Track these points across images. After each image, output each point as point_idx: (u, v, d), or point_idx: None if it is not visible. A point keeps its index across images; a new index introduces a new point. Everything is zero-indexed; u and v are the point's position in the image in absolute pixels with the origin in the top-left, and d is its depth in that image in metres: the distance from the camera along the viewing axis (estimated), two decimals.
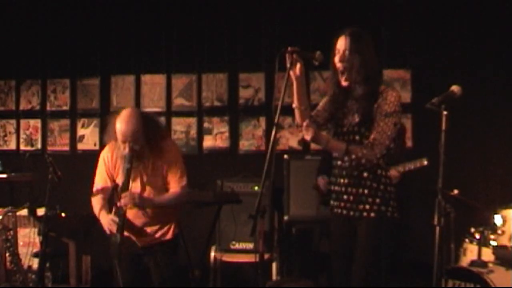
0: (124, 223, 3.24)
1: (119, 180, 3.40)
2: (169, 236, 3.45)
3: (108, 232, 3.32)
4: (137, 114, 3.30)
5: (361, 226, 2.88)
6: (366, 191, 2.87)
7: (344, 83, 2.87)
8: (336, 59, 2.85)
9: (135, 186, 3.36)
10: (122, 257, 3.34)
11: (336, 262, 3.03)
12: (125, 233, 3.38)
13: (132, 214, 3.35)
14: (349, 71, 2.83)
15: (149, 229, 3.41)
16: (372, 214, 2.85)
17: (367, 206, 2.86)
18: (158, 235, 3.43)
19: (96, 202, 3.46)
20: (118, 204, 3.25)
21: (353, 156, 2.80)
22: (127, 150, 3.23)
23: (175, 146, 3.60)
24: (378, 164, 2.84)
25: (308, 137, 2.77)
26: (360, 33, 2.86)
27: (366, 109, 2.82)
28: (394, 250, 2.92)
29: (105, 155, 3.47)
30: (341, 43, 2.84)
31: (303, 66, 2.80)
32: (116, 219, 3.24)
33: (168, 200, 3.41)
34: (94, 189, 3.50)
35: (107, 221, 3.32)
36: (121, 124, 3.25)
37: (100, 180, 3.48)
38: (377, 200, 2.85)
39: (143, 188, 3.37)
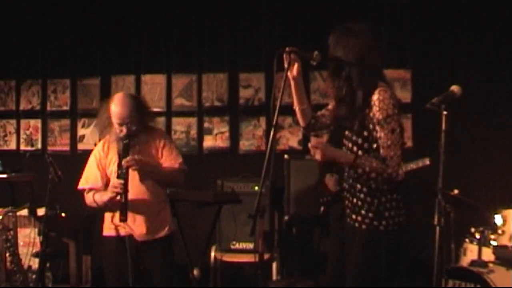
0: (127, 186, 3.23)
1: (111, 171, 3.41)
2: (166, 232, 3.46)
3: (113, 196, 3.27)
4: (129, 96, 3.44)
5: (354, 235, 2.82)
6: (359, 203, 2.79)
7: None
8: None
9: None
10: (121, 258, 3.36)
11: (330, 263, 3.01)
12: (124, 232, 3.38)
13: (132, 207, 3.32)
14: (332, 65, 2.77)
15: (148, 224, 3.38)
16: (364, 226, 2.76)
17: (359, 218, 2.78)
18: (156, 230, 3.41)
19: (88, 195, 3.44)
20: (123, 164, 3.25)
21: (360, 170, 2.70)
22: (124, 131, 3.29)
23: (164, 131, 3.68)
24: (368, 174, 2.71)
25: (318, 158, 2.73)
26: (348, 28, 2.76)
27: (358, 117, 2.72)
28: (391, 261, 2.86)
29: (96, 150, 3.51)
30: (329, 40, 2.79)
31: (301, 66, 2.76)
32: (120, 181, 3.23)
33: (167, 172, 3.43)
34: (83, 181, 3.47)
35: (109, 189, 3.31)
36: (116, 107, 3.32)
37: (90, 175, 3.46)
38: (370, 215, 2.75)
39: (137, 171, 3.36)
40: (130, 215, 3.32)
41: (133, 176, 3.35)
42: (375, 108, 2.67)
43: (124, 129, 3.31)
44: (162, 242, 3.44)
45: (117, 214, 3.31)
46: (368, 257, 2.77)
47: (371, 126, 2.71)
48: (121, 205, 3.23)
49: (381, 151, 2.67)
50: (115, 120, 3.33)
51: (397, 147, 2.66)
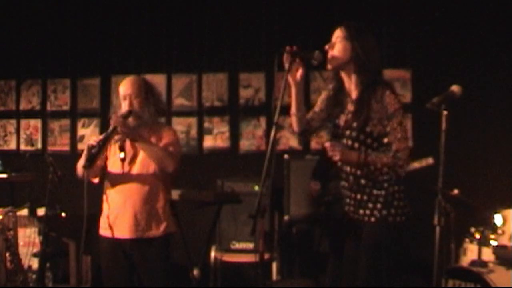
0: (112, 134, 3.23)
1: (111, 162, 3.39)
2: (161, 232, 3.36)
3: (90, 143, 3.24)
4: (138, 76, 3.55)
5: (363, 230, 2.82)
6: (365, 197, 2.80)
7: (329, 67, 2.81)
8: (327, 47, 2.80)
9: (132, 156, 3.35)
10: (112, 258, 3.35)
11: (341, 261, 3.00)
12: (117, 231, 3.35)
13: (125, 204, 3.32)
14: (336, 58, 2.78)
15: (140, 222, 3.32)
16: (373, 219, 2.78)
17: (368, 211, 2.80)
18: (149, 229, 3.34)
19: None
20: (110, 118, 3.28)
21: (372, 167, 2.71)
22: (126, 105, 3.31)
23: (175, 131, 3.61)
24: (380, 170, 2.74)
25: (337, 158, 2.73)
26: (356, 25, 2.81)
27: (362, 114, 2.74)
28: (399, 254, 2.87)
29: None
30: (335, 34, 2.82)
31: (303, 70, 2.76)
32: (103, 136, 3.23)
33: (154, 146, 3.30)
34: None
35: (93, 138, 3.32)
36: (123, 81, 3.42)
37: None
38: (378, 205, 2.77)
39: (133, 156, 3.34)
40: (122, 212, 3.32)
41: (131, 175, 3.33)
42: (384, 103, 2.71)
43: (127, 103, 3.33)
44: (156, 242, 3.35)
45: (109, 215, 3.35)
46: (379, 247, 2.77)
47: (375, 121, 2.72)
48: (91, 154, 3.19)
49: (393, 144, 2.70)
50: (120, 95, 3.39)
51: (406, 141, 2.73)
